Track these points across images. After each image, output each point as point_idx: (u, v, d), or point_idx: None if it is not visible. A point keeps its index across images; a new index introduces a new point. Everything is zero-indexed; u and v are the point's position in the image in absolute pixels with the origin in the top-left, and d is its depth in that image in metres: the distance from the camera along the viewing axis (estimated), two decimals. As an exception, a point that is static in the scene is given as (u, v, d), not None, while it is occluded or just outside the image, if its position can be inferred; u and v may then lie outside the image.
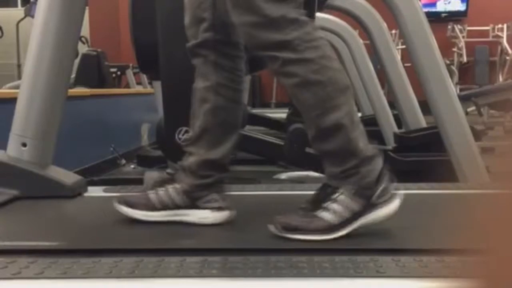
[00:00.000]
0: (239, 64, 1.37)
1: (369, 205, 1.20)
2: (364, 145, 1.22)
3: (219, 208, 1.34)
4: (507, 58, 9.10)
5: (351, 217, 1.20)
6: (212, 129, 1.35)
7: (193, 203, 1.34)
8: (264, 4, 1.19)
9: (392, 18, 2.46)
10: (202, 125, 1.36)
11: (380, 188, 1.21)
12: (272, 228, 1.21)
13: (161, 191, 1.35)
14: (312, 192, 1.27)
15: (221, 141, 1.36)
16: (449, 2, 9.61)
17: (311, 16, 2.28)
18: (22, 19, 6.31)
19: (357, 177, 1.20)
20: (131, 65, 6.85)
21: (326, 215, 1.20)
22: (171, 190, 1.35)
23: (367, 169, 1.20)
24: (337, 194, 1.21)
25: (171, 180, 1.38)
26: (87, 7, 1.98)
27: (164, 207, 1.35)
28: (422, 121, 3.15)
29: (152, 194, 1.36)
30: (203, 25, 1.32)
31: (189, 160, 1.36)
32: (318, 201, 1.22)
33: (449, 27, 9.31)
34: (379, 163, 1.23)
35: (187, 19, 1.37)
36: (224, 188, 1.38)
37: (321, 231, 1.19)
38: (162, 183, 1.38)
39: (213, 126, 1.35)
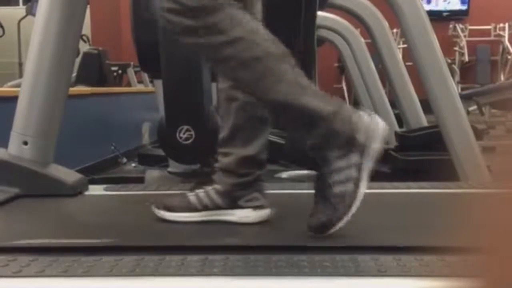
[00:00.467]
0: None
1: (361, 145, 1.17)
2: (323, 103, 1.17)
3: (260, 207, 1.34)
4: (509, 57, 9.10)
5: (358, 169, 1.17)
6: (244, 125, 1.35)
7: (234, 203, 1.34)
8: None
9: (394, 16, 2.45)
10: (233, 123, 1.35)
11: (359, 125, 1.17)
12: (310, 232, 1.19)
13: (201, 193, 1.35)
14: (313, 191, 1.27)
15: (254, 136, 1.36)
16: (448, 2, 9.60)
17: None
18: (24, 17, 6.31)
19: (334, 136, 1.17)
20: (132, 63, 6.84)
21: (339, 188, 1.17)
22: (211, 191, 1.35)
23: (338, 124, 1.16)
24: (332, 166, 1.18)
25: (209, 181, 1.37)
26: (88, 6, 1.98)
27: (205, 208, 1.34)
28: (424, 120, 3.15)
29: (192, 196, 1.36)
30: None
31: (225, 161, 1.35)
32: (323, 184, 1.19)
33: (451, 26, 9.31)
34: (345, 110, 1.19)
35: None
36: (263, 186, 1.38)
37: (348, 205, 1.16)
38: (201, 184, 1.38)
39: (244, 123, 1.35)
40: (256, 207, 1.33)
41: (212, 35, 1.17)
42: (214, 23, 1.17)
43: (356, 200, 1.17)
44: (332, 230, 1.17)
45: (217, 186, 1.35)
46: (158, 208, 1.36)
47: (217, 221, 1.33)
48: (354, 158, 1.17)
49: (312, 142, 1.20)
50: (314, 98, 1.18)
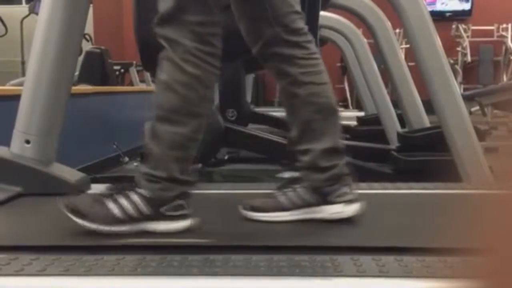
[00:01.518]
0: (310, 48, 1.36)
1: (159, 215, 1.24)
2: (180, 168, 1.25)
3: (351, 201, 1.33)
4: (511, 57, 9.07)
5: (136, 218, 1.24)
6: (313, 119, 1.34)
7: (324, 199, 1.33)
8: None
9: (396, 17, 2.45)
10: (302, 119, 1.35)
11: (175, 204, 1.25)
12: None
13: (289, 192, 1.35)
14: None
15: (327, 126, 1.35)
16: (446, 5, 9.57)
17: (314, 17, 2.27)
18: (26, 16, 6.32)
19: (156, 186, 1.24)
20: (134, 62, 6.85)
21: (112, 206, 1.24)
22: (300, 190, 1.35)
23: (169, 186, 1.24)
24: (132, 192, 1.25)
25: (297, 179, 1.37)
26: (91, 5, 1.98)
27: (295, 206, 1.34)
28: (426, 121, 3.14)
29: (280, 196, 1.35)
30: (264, 24, 1.32)
31: (306, 158, 1.35)
32: (115, 190, 1.27)
33: (454, 26, 9.29)
34: (185, 188, 1.26)
35: (244, 26, 1.36)
36: (351, 180, 1.36)
37: (101, 221, 1.23)
38: (289, 183, 1.38)
39: (313, 116, 1.34)
40: (347, 202, 1.33)
41: (174, 49, 1.23)
42: (186, 44, 1.22)
43: (110, 225, 1.23)
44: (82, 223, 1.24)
45: (305, 184, 1.35)
46: (245, 209, 1.35)
47: (304, 220, 1.33)
48: (146, 210, 1.24)
49: (143, 171, 1.27)
50: (180, 160, 1.26)
